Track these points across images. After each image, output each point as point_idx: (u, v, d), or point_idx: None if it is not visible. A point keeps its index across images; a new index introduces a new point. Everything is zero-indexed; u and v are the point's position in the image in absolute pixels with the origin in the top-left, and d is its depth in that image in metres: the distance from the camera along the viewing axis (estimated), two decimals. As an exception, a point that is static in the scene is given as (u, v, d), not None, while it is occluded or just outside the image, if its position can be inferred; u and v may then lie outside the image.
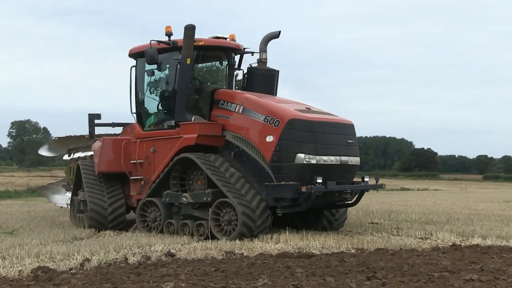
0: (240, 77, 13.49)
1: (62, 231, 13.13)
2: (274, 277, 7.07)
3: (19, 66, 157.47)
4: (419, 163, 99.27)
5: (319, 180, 10.87)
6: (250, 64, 13.04)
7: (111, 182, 13.61)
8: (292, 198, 11.00)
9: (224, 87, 13.03)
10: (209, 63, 13.89)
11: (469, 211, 18.67)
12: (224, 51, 13.06)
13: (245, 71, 13.09)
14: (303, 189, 10.78)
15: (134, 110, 13.27)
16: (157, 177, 12.36)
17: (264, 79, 12.89)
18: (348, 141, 11.77)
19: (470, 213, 17.48)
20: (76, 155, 17.38)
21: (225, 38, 12.92)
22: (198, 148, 11.91)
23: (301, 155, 11.02)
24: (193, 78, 12.48)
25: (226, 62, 13.25)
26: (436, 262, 7.99)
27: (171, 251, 9.54)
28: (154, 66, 12.70)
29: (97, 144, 13.90)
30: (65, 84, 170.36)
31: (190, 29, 11.82)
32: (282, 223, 12.18)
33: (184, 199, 11.71)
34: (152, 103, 13.28)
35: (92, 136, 14.72)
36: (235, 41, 13.03)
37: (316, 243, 10.14)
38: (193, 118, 12.15)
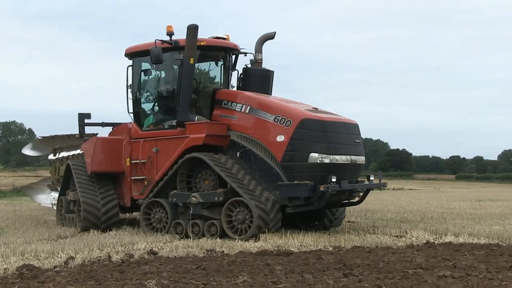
0: (234, 77, 13.24)
1: (47, 230, 13.04)
2: (254, 274, 7.07)
3: (3, 69, 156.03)
4: (394, 164, 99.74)
5: (334, 179, 10.78)
6: (245, 65, 12.82)
7: (103, 182, 13.30)
8: (306, 197, 10.89)
9: (220, 87, 12.79)
10: (204, 63, 13.57)
11: (442, 210, 18.80)
12: (224, 51, 12.81)
13: (240, 71, 12.85)
14: (321, 188, 10.69)
15: (130, 109, 12.94)
16: (160, 177, 12.07)
17: (259, 80, 12.67)
18: (356, 140, 11.75)
19: (443, 212, 17.60)
20: (61, 154, 17.13)
21: (224, 38, 12.72)
22: (203, 148, 11.67)
23: (315, 155, 10.92)
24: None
25: (221, 62, 12.98)
26: (411, 259, 8.02)
27: (154, 249, 9.50)
28: (152, 66, 12.50)
29: (89, 144, 13.58)
30: (49, 86, 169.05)
31: (193, 29, 11.57)
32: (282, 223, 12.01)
33: (193, 199, 11.39)
34: (150, 103, 13.03)
35: (82, 135, 14.38)
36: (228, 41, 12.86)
37: (295, 241, 10.15)
38: (196, 118, 11.90)
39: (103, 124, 14.71)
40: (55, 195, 16.53)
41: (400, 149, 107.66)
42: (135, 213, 14.97)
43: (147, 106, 13.05)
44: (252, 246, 9.87)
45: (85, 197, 13.01)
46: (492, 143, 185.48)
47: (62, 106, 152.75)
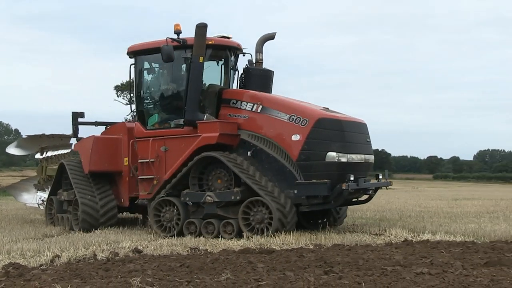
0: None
1: (33, 228, 12.95)
2: (237, 272, 7.06)
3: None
4: (374, 164, 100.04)
5: (352, 178, 10.75)
6: (246, 64, 12.61)
7: (100, 182, 12.99)
8: (324, 195, 10.80)
9: (227, 87, 12.54)
10: (209, 62, 13.03)
11: (420, 208, 18.90)
12: (229, 50, 12.55)
13: (241, 71, 12.64)
14: (343, 186, 10.66)
15: (133, 108, 12.61)
16: (170, 176, 11.75)
17: (260, 79, 12.45)
18: (367, 139, 11.73)
19: (421, 211, 17.70)
20: (48, 154, 16.83)
21: (229, 38, 12.50)
22: (214, 147, 11.43)
23: (333, 154, 10.86)
24: None
25: (222, 62, 12.64)
26: (389, 256, 8.05)
27: (138, 247, 9.47)
28: (156, 64, 12.33)
29: (86, 143, 13.25)
30: (36, 87, 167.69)
31: (202, 28, 11.37)
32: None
33: (208, 198, 11.13)
34: (155, 102, 12.67)
35: (75, 134, 14.06)
36: None
37: (277, 239, 10.15)
38: (205, 117, 11.68)
39: (96, 124, 14.49)
40: (42, 194, 16.26)
41: (380, 149, 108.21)
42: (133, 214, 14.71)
43: (151, 105, 12.70)
44: (235, 244, 9.87)
45: (83, 197, 12.67)
46: (468, 143, 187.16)
47: (48, 107, 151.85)
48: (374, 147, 12.41)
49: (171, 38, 11.61)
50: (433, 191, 39.45)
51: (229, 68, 12.64)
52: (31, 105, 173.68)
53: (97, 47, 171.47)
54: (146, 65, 12.60)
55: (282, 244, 9.75)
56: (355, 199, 12.09)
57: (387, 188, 12.53)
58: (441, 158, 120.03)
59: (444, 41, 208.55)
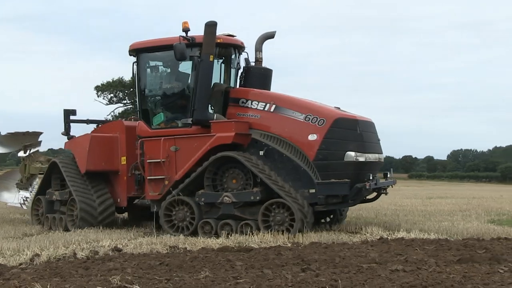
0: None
1: (12, 227, 12.81)
2: (215, 270, 7.05)
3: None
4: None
5: (371, 177, 10.67)
6: (249, 63, 12.38)
7: (96, 181, 12.66)
8: (344, 195, 10.70)
9: (234, 86, 12.32)
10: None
11: (395, 207, 18.99)
12: (234, 48, 12.31)
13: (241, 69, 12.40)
14: (367, 186, 10.67)
15: (138, 107, 12.26)
16: (181, 176, 11.43)
17: (260, 78, 12.21)
18: (378, 139, 11.67)
19: (396, 209, 17.79)
20: (32, 151, 16.36)
21: (233, 36, 12.25)
22: (228, 146, 11.18)
23: (351, 153, 10.79)
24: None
25: (227, 60, 12.34)
26: (365, 254, 8.09)
27: (118, 246, 9.41)
28: (159, 62, 12.10)
29: (81, 141, 12.89)
30: (16, 87, 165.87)
31: (212, 26, 11.12)
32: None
33: (226, 198, 10.89)
34: (160, 101, 12.27)
35: (68, 132, 13.59)
36: None
37: (255, 237, 10.15)
38: (215, 116, 11.48)
39: (88, 121, 14.22)
40: (25, 194, 15.87)
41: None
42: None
43: (156, 104, 12.31)
44: (214, 242, 9.84)
45: (81, 196, 12.35)
46: (441, 143, 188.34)
47: (27, 107, 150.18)
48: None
49: (182, 36, 11.34)
50: (408, 190, 39.66)
51: (233, 67, 12.39)
52: (11, 104, 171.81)
53: (77, 48, 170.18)
54: (150, 63, 12.25)
55: (261, 242, 9.75)
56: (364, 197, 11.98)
57: (392, 187, 12.54)
58: (416, 157, 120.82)
59: (419, 43, 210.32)
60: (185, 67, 11.98)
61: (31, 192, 15.45)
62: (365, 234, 10.81)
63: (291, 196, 10.63)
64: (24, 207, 15.39)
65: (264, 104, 11.39)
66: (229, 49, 12.21)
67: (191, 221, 11.21)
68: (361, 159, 10.91)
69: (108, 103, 43.87)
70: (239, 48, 12.40)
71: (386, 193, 12.00)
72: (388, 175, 12.25)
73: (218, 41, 11.51)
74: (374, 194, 12.03)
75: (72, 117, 13.71)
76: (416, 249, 8.49)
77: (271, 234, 10.41)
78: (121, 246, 9.46)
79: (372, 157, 11.24)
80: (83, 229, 11.85)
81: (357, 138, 10.99)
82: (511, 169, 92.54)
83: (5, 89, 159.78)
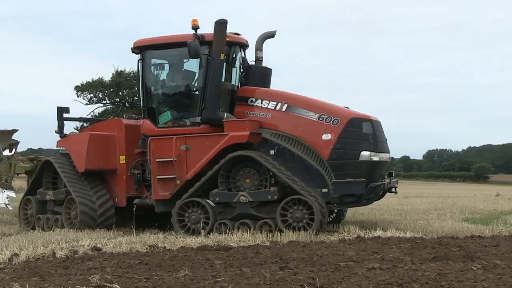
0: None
1: (-9, 227, 12.65)
2: (195, 269, 7.03)
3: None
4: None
5: (386, 176, 10.68)
6: (247, 62, 12.18)
7: (94, 181, 12.31)
8: (359, 194, 10.69)
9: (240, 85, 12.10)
10: None
11: (372, 206, 18.93)
12: (240, 47, 12.13)
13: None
14: (385, 184, 10.74)
15: (142, 105, 11.93)
16: (193, 176, 11.18)
17: (261, 77, 12.07)
18: (386, 138, 11.65)
19: (373, 208, 17.84)
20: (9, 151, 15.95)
21: (239, 34, 12.05)
22: (240, 146, 11.00)
23: (367, 153, 10.79)
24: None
25: (233, 59, 12.04)
26: (343, 252, 8.12)
27: (98, 245, 9.35)
28: (165, 60, 11.91)
29: (79, 139, 12.54)
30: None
31: (222, 24, 10.96)
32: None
33: (242, 198, 10.72)
34: (167, 99, 11.99)
35: (61, 130, 13.17)
36: None
37: (234, 236, 10.14)
38: (225, 115, 11.32)
39: (81, 119, 13.91)
40: (9, 193, 15.49)
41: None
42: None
43: (163, 102, 12.01)
44: (193, 241, 9.82)
45: (81, 197, 11.98)
46: (417, 144, 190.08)
47: (5, 107, 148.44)
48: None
49: (194, 34, 11.16)
50: (385, 189, 39.97)
51: (237, 66, 12.18)
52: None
53: (57, 48, 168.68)
54: (155, 60, 12.01)
55: (239, 241, 9.75)
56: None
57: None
58: (392, 157, 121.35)
59: (395, 45, 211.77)
60: (192, 65, 11.80)
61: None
62: (342, 233, 10.86)
63: (312, 195, 10.59)
64: (10, 207, 14.97)
65: (275, 103, 11.30)
66: (235, 47, 12.02)
67: (206, 220, 10.93)
68: (375, 158, 10.95)
69: (88, 103, 43.47)
70: (245, 46, 12.26)
71: (396, 192, 11.92)
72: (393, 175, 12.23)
73: (228, 39, 11.34)
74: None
75: (65, 115, 13.31)
76: (393, 248, 8.54)
77: (249, 233, 10.40)
78: (100, 245, 9.40)
79: (384, 156, 11.32)
80: (84, 230, 11.52)
81: (372, 138, 11.02)
82: (485, 169, 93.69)
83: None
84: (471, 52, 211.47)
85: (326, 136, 10.83)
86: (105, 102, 43.91)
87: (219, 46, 11.05)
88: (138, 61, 11.93)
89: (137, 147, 12.19)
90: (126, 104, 44.79)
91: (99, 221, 11.97)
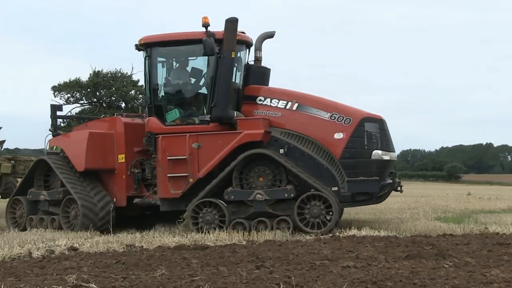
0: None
1: (-34, 227, 12.47)
2: (172, 268, 7.00)
3: None
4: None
5: (396, 175, 10.73)
6: (247, 62, 12.04)
7: (91, 180, 12.00)
8: (372, 192, 10.73)
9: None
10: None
11: (347, 205, 19.14)
12: (246, 45, 11.99)
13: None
14: (397, 183, 10.86)
15: (149, 103, 11.69)
16: (205, 174, 11.04)
17: (260, 77, 11.98)
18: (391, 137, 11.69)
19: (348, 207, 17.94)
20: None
21: (244, 33, 11.88)
22: (253, 144, 10.94)
23: (379, 152, 10.81)
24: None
25: (239, 57, 11.89)
26: (318, 251, 8.14)
27: (74, 245, 9.27)
28: (172, 58, 11.74)
29: (77, 138, 12.18)
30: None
31: (233, 22, 10.87)
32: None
33: (259, 196, 10.63)
34: (175, 97, 11.79)
35: (55, 129, 12.85)
36: None
37: (211, 236, 10.13)
38: (235, 114, 11.23)
39: (74, 117, 13.64)
40: None
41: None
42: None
43: (171, 100, 11.80)
44: (170, 241, 9.78)
45: (83, 198, 11.65)
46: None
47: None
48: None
49: (209, 31, 11.03)
50: (359, 189, 40.21)
51: (243, 64, 12.03)
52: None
53: (32, 48, 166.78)
54: (163, 58, 11.79)
55: (216, 240, 9.73)
56: None
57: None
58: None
59: (367, 46, 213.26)
60: (201, 63, 11.70)
61: None
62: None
63: (329, 191, 10.63)
64: None
65: (285, 102, 11.26)
66: (241, 46, 11.86)
67: (222, 219, 10.82)
68: (386, 157, 11.02)
69: (65, 103, 43.13)
70: (250, 45, 12.17)
71: (401, 191, 12.02)
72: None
73: (238, 38, 11.22)
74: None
75: (58, 113, 13.05)
76: (367, 246, 8.58)
77: (226, 232, 10.38)
78: (77, 245, 9.32)
79: (392, 155, 11.40)
80: (87, 231, 11.29)
81: (383, 137, 11.10)
82: (457, 169, 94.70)
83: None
84: (445, 53, 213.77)
85: (338, 135, 10.86)
86: (82, 102, 43.62)
87: (230, 44, 10.99)
88: (145, 58, 11.67)
89: (142, 145, 11.94)
90: (104, 104, 44.55)
91: (99, 221, 11.67)
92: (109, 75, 44.97)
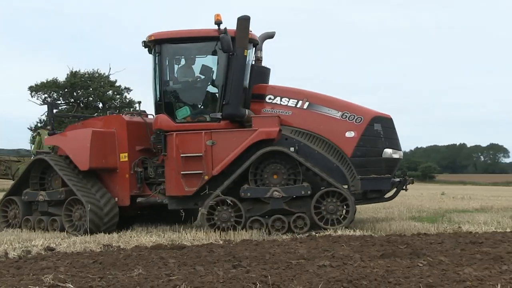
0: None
1: None
2: (149, 267, 6.97)
3: None
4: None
5: (404, 174, 10.78)
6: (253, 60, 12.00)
7: (93, 180, 11.72)
8: (384, 190, 10.85)
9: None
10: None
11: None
12: (254, 44, 11.85)
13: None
14: (408, 180, 10.95)
15: (159, 100, 11.47)
16: (219, 171, 10.92)
17: (260, 76, 11.91)
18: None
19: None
20: None
21: (251, 31, 11.67)
22: (265, 142, 10.90)
23: (389, 150, 10.88)
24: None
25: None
26: (294, 250, 8.16)
27: (51, 245, 9.18)
28: (183, 55, 11.61)
29: (78, 136, 11.83)
30: None
31: (246, 20, 10.82)
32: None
33: (276, 193, 10.60)
34: (185, 94, 11.66)
35: (53, 127, 12.46)
36: None
37: (188, 235, 10.10)
38: (247, 112, 11.17)
39: (71, 116, 13.40)
40: None
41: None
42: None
43: (181, 97, 11.65)
44: (147, 240, 9.74)
45: (88, 197, 11.30)
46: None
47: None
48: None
49: (218, 29, 10.95)
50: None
51: (251, 63, 11.92)
52: None
53: (7, 47, 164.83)
54: (173, 55, 11.63)
55: (193, 240, 9.71)
56: None
57: None
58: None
59: (349, 48, 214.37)
60: (212, 60, 11.61)
61: None
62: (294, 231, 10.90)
63: (342, 187, 10.70)
64: None
65: (296, 101, 11.28)
66: (250, 44, 11.68)
67: (238, 219, 10.74)
68: (396, 156, 11.12)
69: (42, 103, 42.74)
70: (256, 44, 12.08)
71: (406, 189, 12.02)
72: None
73: (249, 36, 11.16)
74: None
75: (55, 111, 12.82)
76: (343, 245, 8.62)
77: (203, 232, 10.37)
78: (54, 245, 9.23)
79: (400, 154, 11.47)
80: (92, 233, 10.97)
81: (392, 136, 11.19)
82: (431, 169, 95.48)
83: None
84: (416, 56, 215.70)
85: (350, 134, 10.93)
86: (59, 102, 43.25)
87: (242, 42, 10.95)
88: (155, 55, 11.49)
89: (149, 143, 11.82)
90: (81, 104, 44.21)
91: (105, 220, 11.37)
92: (87, 75, 44.64)
